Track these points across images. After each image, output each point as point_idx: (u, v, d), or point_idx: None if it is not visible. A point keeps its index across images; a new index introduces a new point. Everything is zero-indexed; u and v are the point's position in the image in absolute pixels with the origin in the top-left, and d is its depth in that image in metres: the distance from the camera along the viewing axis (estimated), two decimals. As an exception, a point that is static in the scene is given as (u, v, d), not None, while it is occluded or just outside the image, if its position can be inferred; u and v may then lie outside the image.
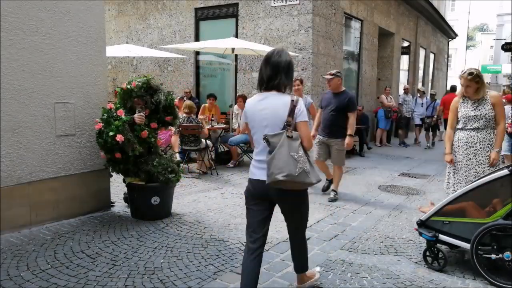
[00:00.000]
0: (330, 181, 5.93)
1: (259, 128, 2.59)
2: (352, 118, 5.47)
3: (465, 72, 4.08)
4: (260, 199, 2.65)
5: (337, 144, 5.55)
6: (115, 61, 12.40)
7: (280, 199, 2.64)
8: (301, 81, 6.19)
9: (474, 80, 3.99)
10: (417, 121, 12.32)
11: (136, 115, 4.44)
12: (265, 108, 2.56)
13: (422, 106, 12.06)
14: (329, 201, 5.52)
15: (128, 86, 4.56)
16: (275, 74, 2.57)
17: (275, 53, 2.61)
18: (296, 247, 2.94)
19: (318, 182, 2.55)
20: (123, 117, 4.37)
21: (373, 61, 12.30)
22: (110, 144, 4.28)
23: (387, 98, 11.53)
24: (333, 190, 5.71)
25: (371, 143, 11.33)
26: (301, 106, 2.55)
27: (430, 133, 11.77)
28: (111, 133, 4.22)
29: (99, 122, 4.40)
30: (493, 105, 4.01)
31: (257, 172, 2.61)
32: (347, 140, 5.42)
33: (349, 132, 5.43)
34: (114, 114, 4.40)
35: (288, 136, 2.44)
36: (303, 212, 2.79)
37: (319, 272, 3.21)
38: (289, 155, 2.39)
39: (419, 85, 16.27)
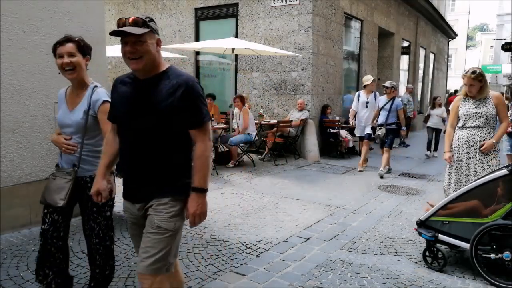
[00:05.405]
0: None
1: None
2: (200, 135, 2.05)
3: (468, 71, 4.08)
4: None
5: (159, 215, 2.02)
6: (115, 61, 12.39)
7: None
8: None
9: (478, 79, 4.01)
10: (359, 131, 7.81)
11: None
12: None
13: (367, 107, 7.68)
14: None
15: None
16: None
17: None
18: None
19: None
20: None
21: (373, 61, 12.30)
22: None
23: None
24: None
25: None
26: None
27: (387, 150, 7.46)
28: None
29: None
30: (495, 105, 4.04)
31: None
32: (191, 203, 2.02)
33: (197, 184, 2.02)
34: None
35: None
36: None
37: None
38: None
39: (419, 84, 16.04)
